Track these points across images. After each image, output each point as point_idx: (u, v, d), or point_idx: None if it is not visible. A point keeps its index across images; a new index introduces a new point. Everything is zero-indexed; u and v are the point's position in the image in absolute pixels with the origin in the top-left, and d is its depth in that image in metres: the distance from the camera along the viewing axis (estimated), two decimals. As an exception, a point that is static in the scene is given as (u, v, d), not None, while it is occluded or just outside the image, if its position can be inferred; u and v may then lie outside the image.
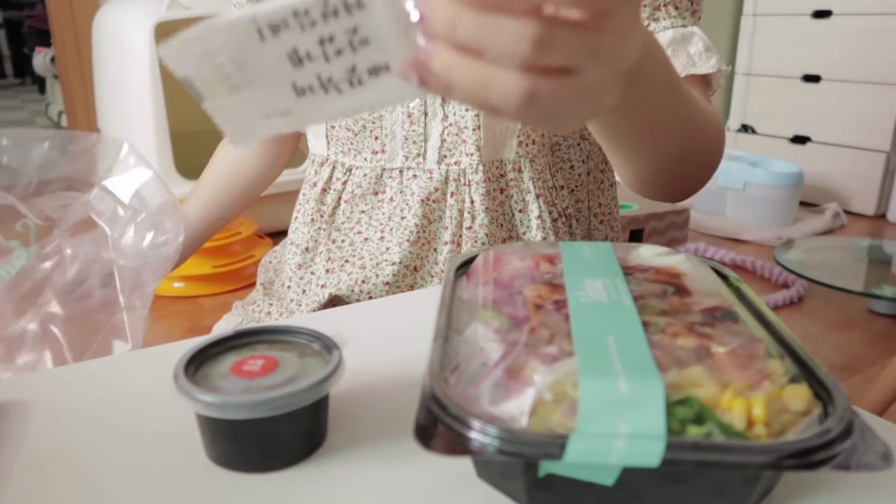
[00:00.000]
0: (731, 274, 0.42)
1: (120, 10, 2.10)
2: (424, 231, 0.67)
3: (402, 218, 0.66)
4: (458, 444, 0.27)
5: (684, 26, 0.61)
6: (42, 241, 0.83)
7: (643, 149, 0.48)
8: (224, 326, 0.77)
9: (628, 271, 0.40)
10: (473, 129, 0.65)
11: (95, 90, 2.27)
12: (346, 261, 0.68)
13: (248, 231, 1.96)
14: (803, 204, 2.59)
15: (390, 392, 0.40)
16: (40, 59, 3.30)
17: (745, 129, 2.91)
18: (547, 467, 0.29)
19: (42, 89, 4.22)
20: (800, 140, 2.75)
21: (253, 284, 0.82)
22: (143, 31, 1.97)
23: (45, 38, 3.28)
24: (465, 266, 0.44)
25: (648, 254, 0.43)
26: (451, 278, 0.42)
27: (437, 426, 0.28)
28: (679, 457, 0.27)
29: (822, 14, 2.61)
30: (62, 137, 0.70)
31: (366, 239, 0.68)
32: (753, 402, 0.28)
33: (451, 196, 0.66)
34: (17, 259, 0.82)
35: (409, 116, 0.66)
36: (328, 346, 0.35)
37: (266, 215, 2.05)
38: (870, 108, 2.54)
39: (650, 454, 0.27)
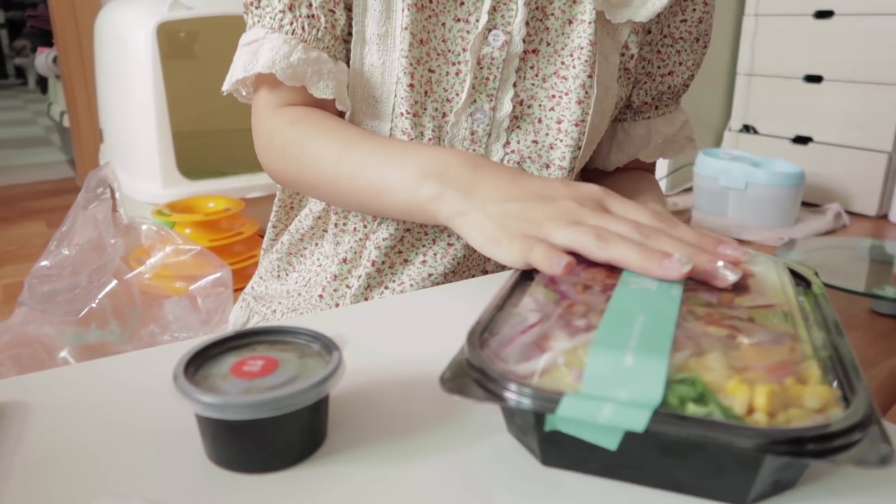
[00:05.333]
0: (818, 283, 0.42)
1: (122, 10, 2.11)
2: (468, 260, 0.64)
3: (450, 245, 0.63)
4: (468, 389, 0.31)
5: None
6: (137, 333, 0.90)
7: None
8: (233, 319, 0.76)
9: None
10: (543, 167, 0.62)
11: (97, 90, 2.28)
12: (386, 287, 0.65)
13: (250, 231, 1.96)
14: (805, 204, 2.59)
15: (390, 392, 0.40)
16: (42, 60, 3.30)
17: (746, 129, 2.91)
18: (552, 423, 0.31)
19: (44, 89, 4.23)
20: (801, 140, 2.74)
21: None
22: (146, 31, 1.97)
23: (47, 39, 3.28)
24: None
25: None
26: None
27: (459, 374, 0.32)
28: (664, 427, 0.28)
29: (823, 14, 2.61)
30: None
31: (405, 261, 0.65)
32: (758, 390, 0.28)
33: None
34: (110, 334, 0.88)
35: (473, 134, 0.62)
36: (328, 346, 0.35)
37: (268, 215, 2.05)
38: (872, 109, 2.54)
39: (636, 420, 0.28)
